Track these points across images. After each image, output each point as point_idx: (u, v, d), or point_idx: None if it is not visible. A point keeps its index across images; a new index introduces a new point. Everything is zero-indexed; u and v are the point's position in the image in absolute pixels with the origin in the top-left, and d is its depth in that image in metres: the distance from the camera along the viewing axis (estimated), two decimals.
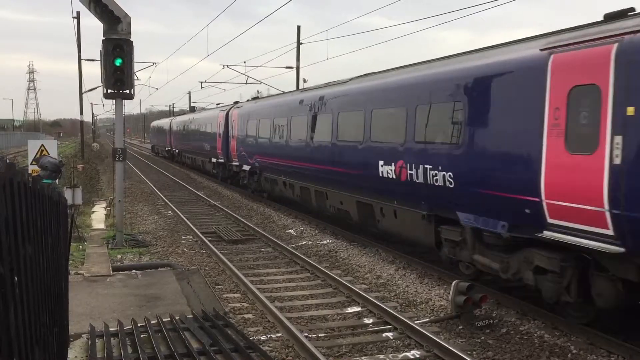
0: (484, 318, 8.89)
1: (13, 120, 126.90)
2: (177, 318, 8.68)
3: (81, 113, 41.65)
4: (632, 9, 7.67)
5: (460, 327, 8.71)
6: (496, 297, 9.68)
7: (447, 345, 7.53)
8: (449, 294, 9.24)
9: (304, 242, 15.38)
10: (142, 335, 7.94)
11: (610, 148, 7.09)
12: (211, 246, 14.18)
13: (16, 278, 3.14)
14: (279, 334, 8.40)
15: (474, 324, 8.72)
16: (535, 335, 8.31)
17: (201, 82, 49.67)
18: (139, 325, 8.31)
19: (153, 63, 46.04)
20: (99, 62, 14.47)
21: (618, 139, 7.02)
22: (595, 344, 7.78)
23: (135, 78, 16.64)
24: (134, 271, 11.91)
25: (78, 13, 36.29)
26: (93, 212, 20.59)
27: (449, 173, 10.16)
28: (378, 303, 9.42)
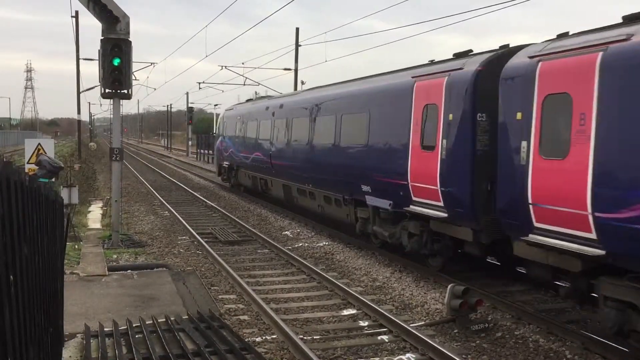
0: (479, 322, 8.90)
1: (10, 119, 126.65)
2: (172, 319, 8.67)
3: (79, 112, 41.59)
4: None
5: (455, 331, 8.72)
6: (492, 301, 9.69)
7: (442, 349, 7.53)
8: (444, 297, 9.25)
9: (301, 244, 15.38)
10: (137, 336, 7.93)
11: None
12: (207, 247, 14.16)
13: (11, 277, 3.14)
14: (274, 336, 8.40)
15: (469, 328, 8.73)
16: (530, 339, 8.32)
17: (199, 83, 49.66)
18: (134, 325, 8.30)
19: (151, 63, 45.97)
20: (97, 61, 14.46)
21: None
22: (590, 349, 7.79)
23: (133, 78, 16.63)
24: (129, 271, 11.89)
25: (77, 12, 36.25)
26: (89, 211, 20.54)
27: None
28: (374, 306, 9.42)
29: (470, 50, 10.79)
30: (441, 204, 10.38)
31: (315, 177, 16.30)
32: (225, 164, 27.32)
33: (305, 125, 16.89)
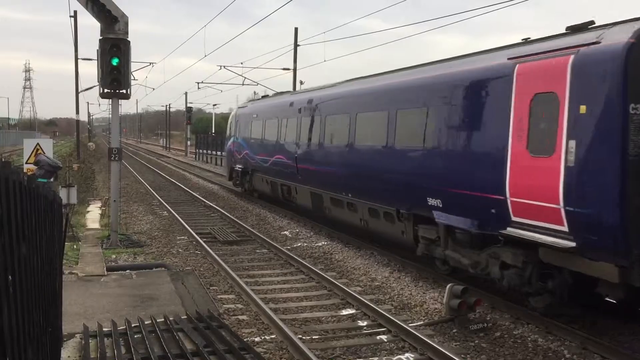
0: (478, 322, 8.90)
1: (9, 118, 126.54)
2: (171, 319, 8.66)
3: (77, 112, 41.60)
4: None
5: (454, 331, 8.72)
6: (490, 301, 9.69)
7: (441, 349, 7.53)
8: (443, 297, 9.25)
9: (299, 244, 15.37)
10: (135, 336, 7.92)
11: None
12: (206, 247, 14.16)
13: (10, 277, 3.13)
14: (273, 336, 8.40)
15: (468, 328, 8.73)
16: (529, 339, 8.33)
17: (198, 83, 49.72)
18: (132, 325, 8.29)
19: (150, 63, 46.04)
20: (96, 61, 14.44)
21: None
22: (588, 349, 7.79)
23: (132, 78, 16.62)
24: (128, 271, 11.88)
25: (75, 12, 36.25)
26: (88, 211, 20.52)
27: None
28: (372, 306, 9.42)
29: (591, 22, 8.31)
30: (565, 228, 7.78)
31: (357, 185, 13.65)
32: (238, 167, 24.71)
33: (343, 123, 14.29)
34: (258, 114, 22.31)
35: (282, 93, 22.39)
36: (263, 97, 25.48)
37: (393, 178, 11.97)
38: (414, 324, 8.88)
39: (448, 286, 9.14)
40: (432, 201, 10.59)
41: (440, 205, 10.40)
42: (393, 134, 11.99)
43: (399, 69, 13.09)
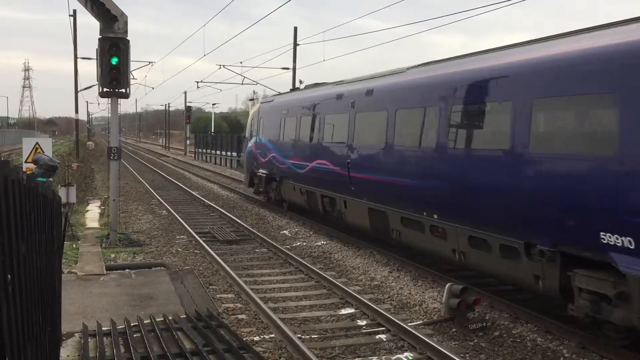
0: (477, 321, 8.90)
1: (8, 117, 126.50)
2: (170, 318, 8.66)
3: (76, 111, 41.62)
4: None
5: (453, 330, 8.73)
6: (489, 300, 9.69)
7: (440, 348, 7.54)
8: (442, 296, 9.26)
9: (299, 243, 15.38)
10: (134, 335, 7.92)
11: None
12: (205, 246, 14.16)
13: (9, 276, 3.13)
14: (272, 335, 8.40)
15: (467, 327, 8.73)
16: (528, 338, 8.33)
17: (197, 82, 49.69)
18: (131, 324, 8.29)
19: (149, 62, 46.08)
20: (95, 60, 14.44)
21: None
22: (587, 348, 7.80)
23: (131, 77, 16.62)
24: (127, 270, 11.87)
25: (74, 11, 36.25)
26: (87, 210, 20.52)
27: None
28: (372, 305, 9.42)
29: None
30: None
31: (451, 203, 10.14)
32: (262, 172, 21.05)
33: (428, 120, 10.92)
34: (289, 109, 18.61)
35: (320, 84, 18.07)
36: (292, 90, 21.73)
37: (524, 197, 8.44)
38: (413, 323, 8.88)
39: (447, 285, 9.14)
40: (609, 237, 7.12)
41: (632, 246, 6.86)
42: (527, 132, 8.43)
43: (530, 41, 9.40)
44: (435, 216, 10.67)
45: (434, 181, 10.68)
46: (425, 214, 11.00)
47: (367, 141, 13.30)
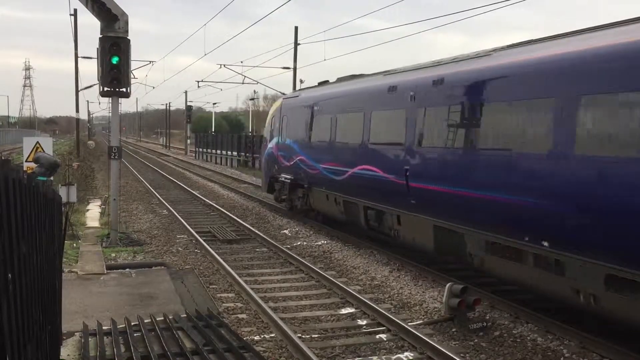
0: (478, 321, 8.90)
1: (8, 117, 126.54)
2: (170, 317, 8.66)
3: (77, 111, 41.64)
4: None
5: (453, 330, 8.73)
6: (490, 300, 9.69)
7: (440, 348, 7.53)
8: (442, 296, 9.25)
9: (299, 243, 15.37)
10: (135, 335, 7.92)
11: None
12: (206, 245, 14.16)
13: (9, 275, 3.13)
14: (273, 335, 8.40)
15: (468, 327, 8.73)
16: (528, 338, 8.33)
17: (198, 82, 49.69)
18: (132, 324, 8.29)
19: (150, 61, 46.10)
20: (96, 59, 14.44)
21: None
22: (588, 348, 7.80)
23: (132, 76, 16.62)
24: (128, 270, 11.88)
25: (75, 11, 36.23)
26: (87, 210, 20.53)
27: None
28: (372, 304, 9.42)
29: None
30: None
31: (579, 228, 7.64)
32: (285, 178, 18.48)
33: (538, 117, 8.28)
34: (321, 106, 16.03)
35: (357, 76, 15.63)
36: (321, 83, 18.10)
37: None
38: (414, 323, 8.88)
39: (447, 285, 9.14)
40: None
41: None
42: None
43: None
44: (546, 244, 8.15)
45: (549, 198, 8.00)
46: (527, 239, 8.48)
47: (437, 143, 10.60)
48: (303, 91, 18.94)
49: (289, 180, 18.17)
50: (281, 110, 19.33)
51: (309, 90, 18.43)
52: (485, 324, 8.85)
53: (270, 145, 20.21)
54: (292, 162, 17.85)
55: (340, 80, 16.50)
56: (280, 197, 19.57)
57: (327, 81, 17.55)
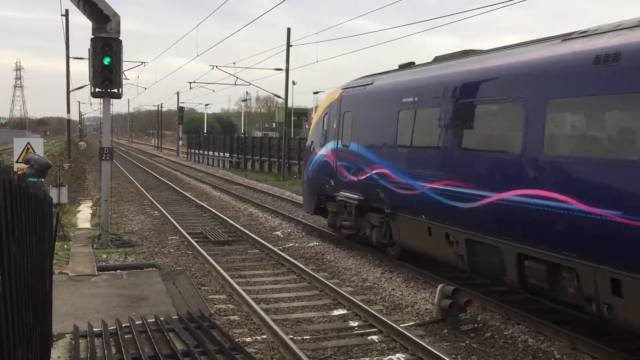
0: (469, 322, 8.93)
1: None
2: (161, 319, 8.63)
3: (68, 111, 41.50)
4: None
5: (445, 331, 8.75)
6: (481, 301, 9.72)
7: (431, 349, 7.55)
8: (434, 297, 9.28)
9: (291, 244, 15.37)
10: (126, 336, 7.89)
11: None
12: (197, 247, 14.12)
13: None
14: (264, 336, 8.39)
15: (459, 328, 8.76)
16: (520, 339, 8.36)
17: (190, 83, 49.70)
18: (123, 325, 8.26)
19: (142, 62, 46.04)
20: (87, 60, 14.38)
21: None
22: (578, 349, 7.84)
23: (124, 77, 16.57)
24: (119, 271, 11.83)
25: (67, 11, 36.12)
26: (78, 211, 20.43)
27: None
28: (364, 306, 9.43)
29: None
30: None
31: None
32: (348, 197, 13.64)
33: None
34: (426, 96, 10.95)
35: (485, 51, 10.57)
36: (404, 66, 13.04)
37: None
38: (405, 325, 8.90)
39: (439, 287, 9.16)
40: None
41: None
42: None
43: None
44: None
45: None
46: None
47: None
48: (379, 77, 13.43)
49: (355, 201, 13.34)
50: (341, 105, 14.48)
51: (392, 75, 13.00)
52: (476, 325, 8.88)
53: (321, 152, 15.36)
54: (362, 176, 12.98)
55: (439, 60, 11.65)
56: (339, 223, 14.60)
57: (413, 63, 12.85)
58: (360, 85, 13.90)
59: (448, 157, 10.12)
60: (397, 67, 13.32)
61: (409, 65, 12.88)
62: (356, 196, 13.34)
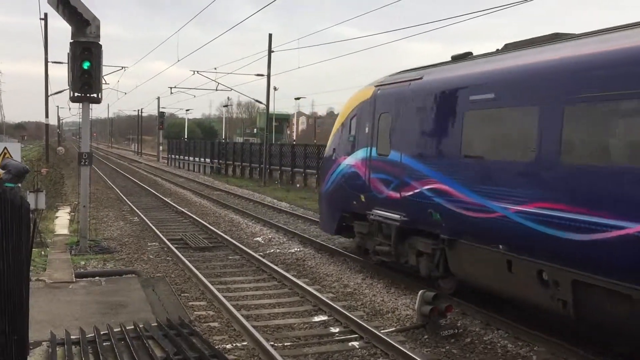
0: (449, 328, 8.98)
1: None
2: (141, 326, 8.55)
3: (47, 116, 41.09)
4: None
5: (425, 337, 8.78)
6: (461, 307, 9.78)
7: (412, 355, 7.57)
8: (415, 303, 9.31)
9: (272, 250, 15.33)
10: (104, 344, 7.80)
11: None
12: (177, 253, 14.02)
13: None
14: (245, 343, 8.35)
15: (439, 334, 8.80)
16: (499, 345, 8.42)
17: (171, 88, 49.47)
18: (101, 333, 8.16)
19: (122, 67, 45.72)
20: (67, 64, 14.25)
21: None
22: (556, 354, 7.91)
23: (104, 82, 16.45)
24: (97, 278, 11.70)
25: (46, 15, 35.83)
26: (56, 217, 20.19)
27: None
28: (345, 312, 9.43)
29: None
30: None
31: None
32: (385, 216, 11.33)
33: None
34: (506, 92, 8.53)
35: (597, 32, 7.69)
36: (457, 57, 10.62)
37: None
38: (386, 331, 8.91)
39: (420, 293, 9.20)
40: None
41: None
42: None
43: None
44: None
45: None
46: None
47: None
48: (430, 70, 10.85)
49: (396, 222, 10.96)
50: (375, 105, 12.04)
51: (447, 69, 10.46)
52: (456, 330, 8.93)
53: (347, 161, 12.89)
54: (408, 192, 10.55)
55: (512, 47, 9.23)
56: (372, 247, 12.34)
57: (470, 53, 10.47)
58: (403, 81, 11.28)
59: (549, 171, 7.61)
60: (451, 60, 10.81)
61: (466, 56, 10.45)
62: (398, 216, 10.85)
